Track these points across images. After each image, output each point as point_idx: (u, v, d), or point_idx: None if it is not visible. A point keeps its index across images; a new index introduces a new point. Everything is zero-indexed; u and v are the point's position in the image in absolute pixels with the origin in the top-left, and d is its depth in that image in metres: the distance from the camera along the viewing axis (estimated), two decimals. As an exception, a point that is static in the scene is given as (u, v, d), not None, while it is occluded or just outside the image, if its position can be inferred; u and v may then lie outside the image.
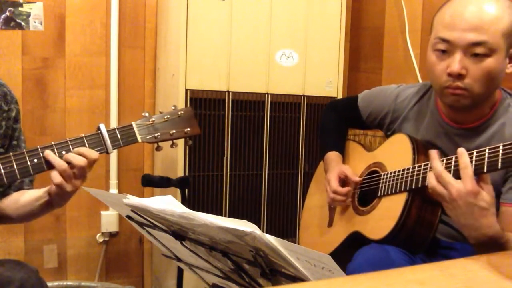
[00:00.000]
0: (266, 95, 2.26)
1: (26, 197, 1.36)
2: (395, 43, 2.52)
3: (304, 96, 2.33)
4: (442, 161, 1.15)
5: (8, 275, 1.18)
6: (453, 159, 1.14)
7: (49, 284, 1.40)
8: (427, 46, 1.33)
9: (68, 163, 1.21)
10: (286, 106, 2.30)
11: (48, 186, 1.28)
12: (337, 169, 1.54)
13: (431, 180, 1.13)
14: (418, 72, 2.35)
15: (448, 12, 1.26)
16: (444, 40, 1.24)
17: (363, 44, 2.75)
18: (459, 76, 1.23)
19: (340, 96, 2.39)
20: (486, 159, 1.07)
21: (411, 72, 2.38)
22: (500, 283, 0.82)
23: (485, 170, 1.08)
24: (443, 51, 1.26)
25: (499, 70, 1.24)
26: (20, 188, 1.41)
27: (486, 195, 1.07)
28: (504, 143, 1.05)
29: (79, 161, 1.21)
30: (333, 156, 1.63)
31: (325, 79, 2.36)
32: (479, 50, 1.21)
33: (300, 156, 2.35)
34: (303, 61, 2.31)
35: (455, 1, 1.26)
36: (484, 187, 1.08)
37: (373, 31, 2.66)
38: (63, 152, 1.23)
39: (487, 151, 1.07)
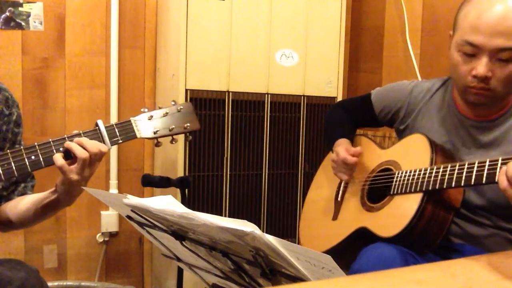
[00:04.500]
0: (266, 95, 2.26)
1: (28, 200, 1.35)
2: (395, 43, 2.52)
3: (304, 96, 2.32)
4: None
5: (8, 275, 1.18)
6: None
7: (49, 284, 1.40)
8: (445, 43, 1.31)
9: (84, 149, 1.21)
10: (286, 106, 2.30)
11: (51, 188, 1.28)
12: (346, 145, 1.55)
13: (502, 181, 1.05)
14: (418, 72, 2.35)
15: (474, 13, 1.23)
16: (470, 44, 1.23)
17: (363, 44, 2.75)
18: (486, 78, 1.24)
19: (340, 96, 2.39)
20: None
21: (411, 72, 2.38)
22: (500, 283, 0.82)
23: None
24: (469, 54, 1.25)
25: None
26: (23, 193, 1.40)
27: None
28: None
29: (93, 148, 1.21)
30: (343, 141, 1.61)
31: (325, 79, 2.36)
32: (505, 55, 1.21)
33: (300, 156, 2.35)
34: (303, 61, 2.31)
35: None
36: None
37: (373, 31, 2.66)
38: (61, 150, 1.23)
39: None
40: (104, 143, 1.28)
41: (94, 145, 1.22)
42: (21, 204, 1.36)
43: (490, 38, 1.20)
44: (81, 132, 1.26)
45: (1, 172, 1.20)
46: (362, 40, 2.76)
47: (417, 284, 0.79)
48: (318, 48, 2.33)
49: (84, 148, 1.21)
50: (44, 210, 1.32)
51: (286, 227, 2.35)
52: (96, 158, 1.23)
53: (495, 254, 1.03)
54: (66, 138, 1.24)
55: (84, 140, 1.22)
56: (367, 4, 2.73)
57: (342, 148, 1.54)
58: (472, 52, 1.24)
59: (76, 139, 1.22)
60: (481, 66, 1.22)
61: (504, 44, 1.19)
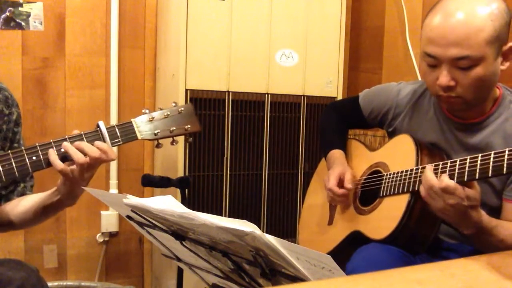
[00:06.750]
0: (266, 95, 2.26)
1: (29, 200, 1.35)
2: (395, 43, 2.52)
3: (304, 96, 2.33)
4: (437, 167, 1.19)
5: (8, 275, 1.18)
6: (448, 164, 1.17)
7: (49, 284, 1.39)
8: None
9: (84, 153, 1.20)
10: (286, 106, 2.30)
11: (52, 189, 1.28)
12: (340, 169, 1.54)
13: (422, 191, 1.19)
14: (418, 72, 2.35)
15: (432, 24, 1.24)
16: (429, 55, 1.24)
17: (363, 44, 2.75)
18: (449, 87, 1.24)
19: (340, 96, 2.40)
20: (478, 166, 1.10)
21: (411, 72, 2.38)
22: (500, 283, 0.82)
23: (477, 177, 1.10)
24: (431, 65, 1.26)
25: (490, 74, 1.23)
26: (23, 193, 1.40)
27: (473, 193, 1.12)
28: (495, 151, 1.07)
29: (95, 152, 1.20)
30: (337, 154, 1.62)
31: (325, 79, 2.36)
32: (463, 63, 1.20)
33: (300, 156, 2.35)
34: (303, 61, 2.31)
35: (439, 9, 1.24)
36: (469, 185, 1.13)
37: (373, 31, 2.66)
38: (62, 150, 1.23)
39: (479, 158, 1.09)
40: None
41: (93, 150, 1.20)
42: (21, 205, 1.35)
43: (445, 49, 1.20)
44: (82, 133, 1.26)
45: (2, 173, 1.20)
46: (362, 40, 2.76)
47: (417, 284, 0.80)
48: (318, 48, 2.33)
49: (83, 153, 1.20)
50: (46, 211, 1.32)
51: (286, 227, 2.35)
52: (97, 162, 1.21)
53: (495, 254, 1.03)
54: (67, 139, 1.24)
55: (84, 144, 1.21)
56: (367, 4, 2.73)
57: (333, 176, 1.52)
58: (433, 63, 1.25)
59: (77, 143, 1.21)
60: (442, 76, 1.23)
61: (460, 53, 1.19)
